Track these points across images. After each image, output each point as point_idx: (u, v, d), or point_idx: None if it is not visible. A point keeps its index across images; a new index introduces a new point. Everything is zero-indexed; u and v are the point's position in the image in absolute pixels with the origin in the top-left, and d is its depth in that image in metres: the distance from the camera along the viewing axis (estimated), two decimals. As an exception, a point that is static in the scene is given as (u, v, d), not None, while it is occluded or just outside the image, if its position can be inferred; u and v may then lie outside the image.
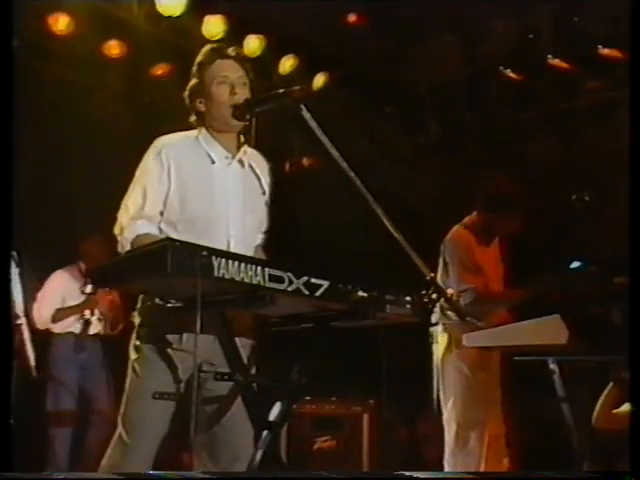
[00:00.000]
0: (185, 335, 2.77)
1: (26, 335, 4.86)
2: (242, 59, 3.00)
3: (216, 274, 2.24)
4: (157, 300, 2.71)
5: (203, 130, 2.97)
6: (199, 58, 2.98)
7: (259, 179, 3.07)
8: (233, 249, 2.84)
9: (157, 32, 6.11)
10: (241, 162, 3.00)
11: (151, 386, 2.78)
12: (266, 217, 3.11)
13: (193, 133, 2.99)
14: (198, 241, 2.59)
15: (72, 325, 5.95)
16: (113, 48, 6.17)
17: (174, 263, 2.18)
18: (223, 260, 2.26)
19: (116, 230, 2.88)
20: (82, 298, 5.89)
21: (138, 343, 2.86)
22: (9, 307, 4.23)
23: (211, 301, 2.33)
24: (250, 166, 3.04)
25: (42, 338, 5.67)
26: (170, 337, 2.80)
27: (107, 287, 2.78)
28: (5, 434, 2.71)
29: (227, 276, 2.26)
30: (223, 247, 2.80)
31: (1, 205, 2.65)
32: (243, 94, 2.90)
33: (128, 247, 2.80)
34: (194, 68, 2.98)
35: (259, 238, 3.12)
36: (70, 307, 5.93)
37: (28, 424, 5.29)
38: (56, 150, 6.18)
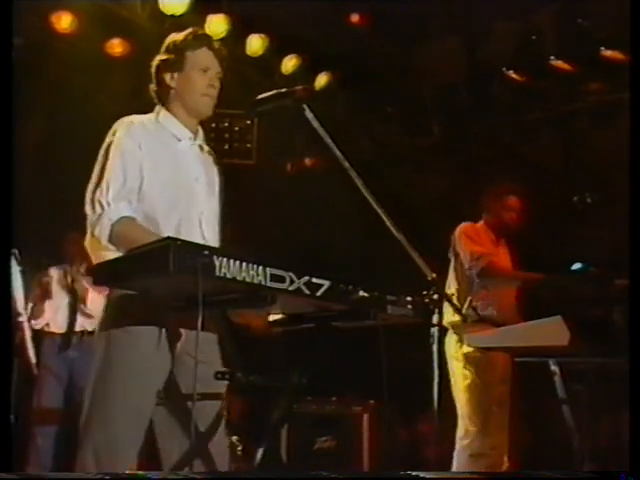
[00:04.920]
0: (156, 328, 2.69)
1: (27, 333, 4.86)
2: (223, 56, 2.97)
3: (217, 273, 2.23)
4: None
5: (162, 110, 2.94)
6: (185, 37, 2.92)
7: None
8: (204, 228, 2.85)
9: (160, 31, 6.11)
10: (201, 147, 3.00)
11: (116, 375, 2.67)
12: (218, 206, 3.03)
13: (151, 115, 2.96)
14: (170, 217, 2.74)
15: (52, 321, 5.73)
16: (116, 47, 6.20)
17: (176, 262, 2.17)
18: (224, 259, 2.25)
19: (95, 208, 2.73)
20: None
21: (105, 332, 2.74)
22: (9, 305, 4.24)
23: (212, 300, 2.33)
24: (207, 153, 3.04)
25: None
26: (140, 328, 2.68)
27: (107, 285, 2.72)
28: (5, 434, 2.70)
29: (228, 275, 2.25)
30: (195, 224, 2.82)
31: (1, 204, 2.65)
32: (218, 89, 2.92)
33: (108, 229, 2.68)
34: (176, 43, 2.92)
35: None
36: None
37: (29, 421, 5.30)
38: (57, 148, 6.18)
